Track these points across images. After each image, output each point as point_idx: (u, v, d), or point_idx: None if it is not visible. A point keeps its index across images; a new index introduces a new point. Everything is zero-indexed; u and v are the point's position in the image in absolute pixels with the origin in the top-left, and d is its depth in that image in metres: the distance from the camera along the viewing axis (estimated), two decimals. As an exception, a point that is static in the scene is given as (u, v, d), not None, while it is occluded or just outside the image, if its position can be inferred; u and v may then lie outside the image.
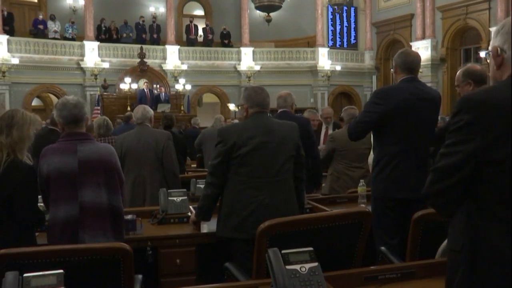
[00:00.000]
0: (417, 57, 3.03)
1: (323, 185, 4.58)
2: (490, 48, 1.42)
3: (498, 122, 1.24)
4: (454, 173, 1.31)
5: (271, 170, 2.58)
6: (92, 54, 16.02)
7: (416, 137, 2.86)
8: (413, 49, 16.55)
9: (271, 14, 16.49)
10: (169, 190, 3.22)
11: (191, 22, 18.26)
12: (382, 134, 2.93)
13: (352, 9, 19.27)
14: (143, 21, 17.54)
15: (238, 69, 17.80)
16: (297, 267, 1.54)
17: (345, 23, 19.24)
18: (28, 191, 2.41)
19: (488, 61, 1.48)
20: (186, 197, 3.17)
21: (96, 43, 16.20)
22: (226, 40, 18.35)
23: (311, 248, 1.59)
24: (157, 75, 16.49)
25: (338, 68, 18.20)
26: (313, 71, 18.16)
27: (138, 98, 14.25)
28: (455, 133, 1.31)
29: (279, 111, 4.16)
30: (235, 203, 2.56)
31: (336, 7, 17.63)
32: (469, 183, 1.31)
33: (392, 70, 3.09)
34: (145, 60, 16.08)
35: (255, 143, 2.56)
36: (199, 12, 19.98)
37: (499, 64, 1.38)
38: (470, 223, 1.31)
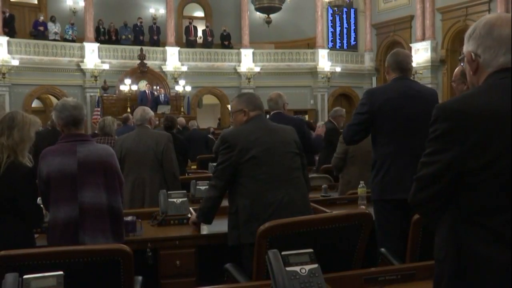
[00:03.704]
0: (406, 56, 3.00)
1: (331, 184, 4.60)
2: (464, 53, 1.40)
3: (475, 130, 1.22)
4: (434, 182, 1.30)
5: (284, 169, 2.58)
6: (92, 56, 16.01)
7: (409, 136, 2.79)
8: (413, 50, 16.56)
9: (271, 15, 16.47)
10: (169, 192, 3.22)
11: (190, 23, 18.26)
12: (374, 136, 2.91)
13: (352, 10, 19.28)
14: (141, 22, 17.53)
15: (238, 70, 17.80)
16: (297, 268, 1.53)
17: (345, 25, 19.24)
18: (28, 192, 2.43)
19: (463, 65, 1.46)
20: (186, 199, 3.17)
21: (96, 45, 16.20)
22: (226, 41, 18.35)
23: (311, 250, 1.58)
24: (157, 77, 16.48)
25: (338, 69, 18.20)
26: (313, 72, 18.15)
27: (139, 99, 14.27)
28: (433, 142, 1.30)
29: (271, 113, 4.10)
30: (255, 206, 2.50)
31: (336, 8, 17.62)
32: (450, 192, 1.29)
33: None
34: (145, 61, 16.06)
35: (263, 144, 2.56)
36: (199, 13, 19.99)
37: (474, 70, 1.36)
38: (453, 232, 1.29)
